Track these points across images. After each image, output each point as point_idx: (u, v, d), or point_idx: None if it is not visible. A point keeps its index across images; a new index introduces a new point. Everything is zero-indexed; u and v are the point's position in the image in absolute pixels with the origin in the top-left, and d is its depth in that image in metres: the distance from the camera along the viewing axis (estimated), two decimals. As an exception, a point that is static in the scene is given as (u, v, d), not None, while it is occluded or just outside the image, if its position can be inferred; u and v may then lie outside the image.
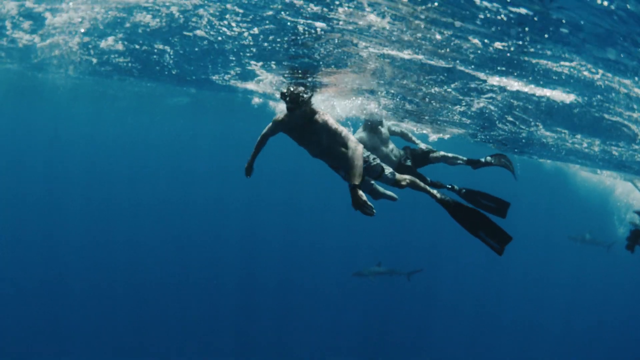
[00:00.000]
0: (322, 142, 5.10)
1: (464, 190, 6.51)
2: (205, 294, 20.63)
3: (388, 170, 5.57)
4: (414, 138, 7.28)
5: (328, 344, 18.50)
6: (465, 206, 5.61)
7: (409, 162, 6.95)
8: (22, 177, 30.33)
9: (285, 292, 21.48)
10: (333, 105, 9.12)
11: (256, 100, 13.44)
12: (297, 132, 5.18)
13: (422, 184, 5.71)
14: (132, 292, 19.78)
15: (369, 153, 5.51)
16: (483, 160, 7.08)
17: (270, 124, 5.36)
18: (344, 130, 4.99)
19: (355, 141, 4.82)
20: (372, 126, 6.73)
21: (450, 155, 7.08)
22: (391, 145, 6.95)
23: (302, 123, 5.05)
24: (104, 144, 32.81)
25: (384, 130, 6.85)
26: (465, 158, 7.08)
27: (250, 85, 9.75)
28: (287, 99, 4.80)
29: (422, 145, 7.15)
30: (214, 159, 32.77)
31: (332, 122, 4.98)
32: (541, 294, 25.88)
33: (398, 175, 5.65)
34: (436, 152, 7.07)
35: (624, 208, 12.62)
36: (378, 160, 5.52)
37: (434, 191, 5.67)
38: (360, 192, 4.38)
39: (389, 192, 6.10)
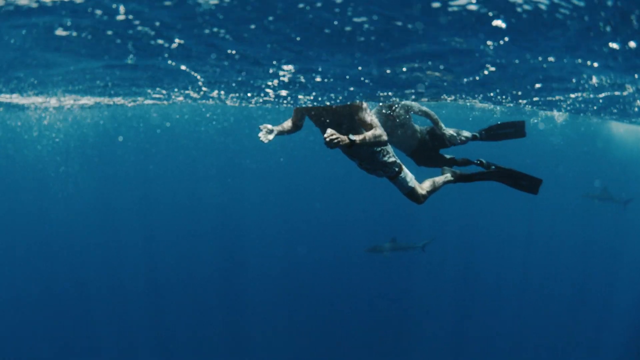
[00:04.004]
0: (342, 126, 4.85)
1: (493, 167, 6.19)
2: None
3: (407, 175, 5.41)
4: (438, 120, 6.56)
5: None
6: (477, 175, 6.02)
7: (427, 138, 6.64)
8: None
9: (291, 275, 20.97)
10: None
11: None
12: (319, 112, 4.96)
13: (440, 183, 5.73)
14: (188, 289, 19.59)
15: (387, 150, 5.25)
16: (478, 134, 6.95)
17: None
18: (374, 120, 4.69)
19: (382, 129, 4.64)
20: (384, 109, 6.38)
21: (467, 134, 6.81)
22: (410, 130, 6.53)
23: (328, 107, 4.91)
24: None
25: (401, 112, 6.43)
26: (470, 135, 6.91)
27: None
28: None
29: (451, 131, 6.66)
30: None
31: (365, 112, 4.69)
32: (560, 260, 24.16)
33: (418, 188, 5.47)
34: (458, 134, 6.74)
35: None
36: (397, 160, 5.33)
37: (449, 176, 5.88)
38: (345, 145, 4.21)
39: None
